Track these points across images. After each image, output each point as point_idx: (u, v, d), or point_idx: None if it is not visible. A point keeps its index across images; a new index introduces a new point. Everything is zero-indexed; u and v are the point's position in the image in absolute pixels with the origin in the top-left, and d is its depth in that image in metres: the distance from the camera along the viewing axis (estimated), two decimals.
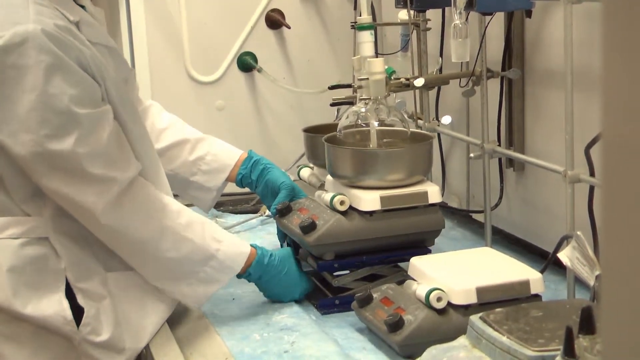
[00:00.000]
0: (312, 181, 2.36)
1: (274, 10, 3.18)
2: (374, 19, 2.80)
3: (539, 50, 2.17)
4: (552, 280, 2.02)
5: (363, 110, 2.09)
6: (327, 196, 2.01)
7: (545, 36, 2.14)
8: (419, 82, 2.24)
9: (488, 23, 2.17)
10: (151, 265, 1.89)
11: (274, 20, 3.18)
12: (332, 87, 2.54)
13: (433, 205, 2.00)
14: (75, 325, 1.81)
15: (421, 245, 2.02)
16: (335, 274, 2.00)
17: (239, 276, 1.98)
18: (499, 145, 2.25)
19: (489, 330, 1.52)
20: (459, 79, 2.31)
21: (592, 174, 1.79)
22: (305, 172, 2.40)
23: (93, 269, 1.86)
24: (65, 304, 1.81)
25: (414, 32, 2.51)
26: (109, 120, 1.81)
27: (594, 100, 1.87)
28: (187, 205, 1.99)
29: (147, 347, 1.88)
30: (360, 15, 2.10)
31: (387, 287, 1.85)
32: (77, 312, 1.81)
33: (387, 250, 2.00)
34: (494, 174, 2.32)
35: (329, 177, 2.11)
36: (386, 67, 2.12)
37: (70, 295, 1.82)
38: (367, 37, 2.08)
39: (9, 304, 1.79)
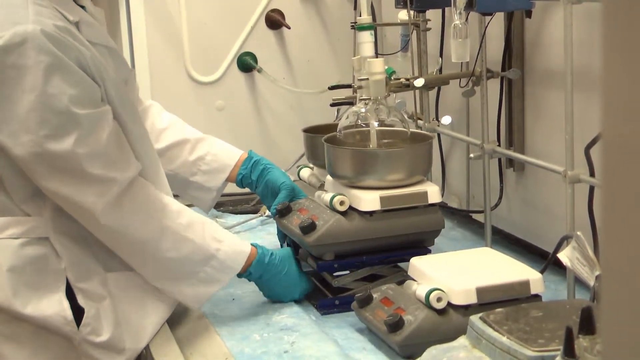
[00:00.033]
0: (312, 181, 2.36)
1: (274, 10, 3.18)
2: (374, 19, 2.80)
3: (539, 51, 2.17)
4: (552, 280, 2.02)
5: (363, 110, 2.09)
6: (326, 196, 2.01)
7: (545, 36, 2.14)
8: (419, 82, 2.24)
9: (488, 23, 2.17)
10: (151, 265, 1.89)
11: (274, 21, 3.18)
12: (332, 88, 2.54)
13: (433, 205, 2.00)
14: (75, 325, 1.81)
15: (421, 245, 2.02)
16: (335, 274, 2.00)
17: (239, 275, 1.98)
18: (499, 145, 2.25)
19: (489, 331, 1.52)
20: (459, 79, 2.31)
21: (592, 174, 1.79)
22: (305, 173, 2.40)
23: (93, 269, 1.86)
24: (66, 304, 1.81)
25: (414, 32, 2.51)
26: (108, 120, 1.81)
27: (594, 100, 1.87)
28: (187, 206, 1.99)
29: (147, 347, 1.88)
30: (360, 16, 2.10)
31: (387, 287, 1.85)
32: (77, 312, 1.81)
33: (387, 251, 2.00)
34: (493, 174, 2.31)
35: (328, 177, 2.11)
36: (386, 67, 2.12)
37: (70, 295, 1.82)
38: (367, 37, 2.08)
39: (9, 304, 1.79)
